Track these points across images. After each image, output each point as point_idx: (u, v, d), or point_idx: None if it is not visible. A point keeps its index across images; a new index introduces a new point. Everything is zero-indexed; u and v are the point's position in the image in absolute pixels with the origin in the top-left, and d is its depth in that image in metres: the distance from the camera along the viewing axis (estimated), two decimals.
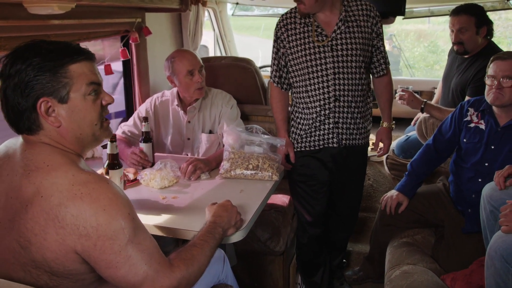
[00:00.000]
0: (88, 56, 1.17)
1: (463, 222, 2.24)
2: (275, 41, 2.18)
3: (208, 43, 4.30)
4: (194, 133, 2.47)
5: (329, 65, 2.05)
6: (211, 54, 4.28)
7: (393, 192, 2.40)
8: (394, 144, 3.11)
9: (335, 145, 2.16)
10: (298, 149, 2.24)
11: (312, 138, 2.19)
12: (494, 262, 1.57)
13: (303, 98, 2.15)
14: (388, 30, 9.14)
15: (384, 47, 2.21)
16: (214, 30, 4.22)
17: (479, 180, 2.15)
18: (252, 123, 2.49)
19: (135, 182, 1.98)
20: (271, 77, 2.25)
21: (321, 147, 2.18)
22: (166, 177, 1.91)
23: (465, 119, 2.29)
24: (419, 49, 11.90)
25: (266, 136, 2.13)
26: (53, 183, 1.06)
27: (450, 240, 2.25)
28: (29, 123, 1.12)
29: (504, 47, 3.06)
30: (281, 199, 2.48)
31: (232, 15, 4.19)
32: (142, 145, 2.15)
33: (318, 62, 2.06)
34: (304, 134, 2.21)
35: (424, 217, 2.37)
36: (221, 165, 2.05)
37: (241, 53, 9.41)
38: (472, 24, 2.64)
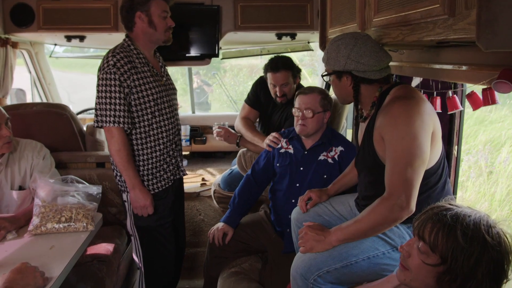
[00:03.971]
0: None
1: (283, 245, 2.45)
2: (118, 85, 2.13)
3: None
4: (1, 191, 2.24)
5: (173, 101, 2.37)
6: (29, 98, 3.99)
7: (219, 224, 2.51)
8: (219, 178, 3.27)
9: (177, 176, 2.41)
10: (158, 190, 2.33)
11: (165, 175, 2.32)
12: (297, 281, 1.75)
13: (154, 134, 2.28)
14: (216, 66, 9.62)
15: None
16: (30, 73, 3.95)
17: (293, 201, 2.38)
18: (71, 171, 2.40)
19: None
20: (118, 122, 2.14)
21: (170, 183, 2.35)
22: None
23: (277, 147, 2.55)
24: (252, 82, 12.69)
25: (81, 185, 2.07)
26: None
27: (273, 263, 2.43)
28: None
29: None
30: (105, 248, 2.39)
31: (50, 56, 3.97)
32: None
33: (165, 98, 2.30)
34: (156, 171, 2.30)
35: (249, 245, 2.52)
36: (31, 221, 1.91)
37: (72, 94, 8.91)
38: (290, 77, 2.92)
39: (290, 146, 2.51)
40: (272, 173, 2.57)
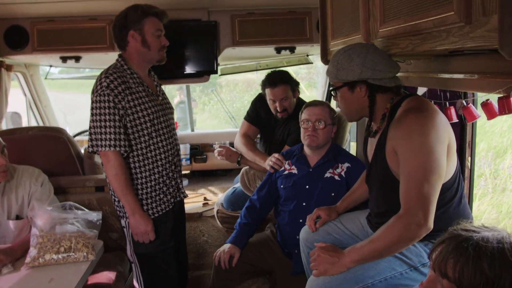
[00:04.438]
0: None
1: (291, 266, 2.37)
2: (112, 107, 2.04)
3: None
4: None
5: (170, 120, 2.28)
6: (25, 122, 3.92)
7: (225, 246, 2.43)
8: (222, 197, 3.18)
9: (178, 199, 2.32)
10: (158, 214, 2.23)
11: (165, 198, 2.23)
12: None
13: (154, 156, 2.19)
14: (212, 82, 9.59)
15: None
16: (25, 95, 3.89)
17: (300, 221, 2.31)
18: (70, 196, 2.33)
19: None
20: (114, 146, 2.03)
21: (170, 206, 2.26)
22: None
23: (280, 170, 2.49)
24: (249, 97, 12.74)
25: (80, 211, 1.98)
26: None
27: (280, 285, 2.36)
28: None
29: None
30: (107, 276, 2.30)
31: (46, 78, 3.92)
32: None
33: (162, 118, 2.21)
34: (155, 195, 2.20)
35: (256, 266, 2.44)
36: (28, 253, 1.82)
37: (69, 115, 8.86)
38: (289, 91, 2.84)
39: (294, 167, 2.46)
40: (276, 196, 2.51)
